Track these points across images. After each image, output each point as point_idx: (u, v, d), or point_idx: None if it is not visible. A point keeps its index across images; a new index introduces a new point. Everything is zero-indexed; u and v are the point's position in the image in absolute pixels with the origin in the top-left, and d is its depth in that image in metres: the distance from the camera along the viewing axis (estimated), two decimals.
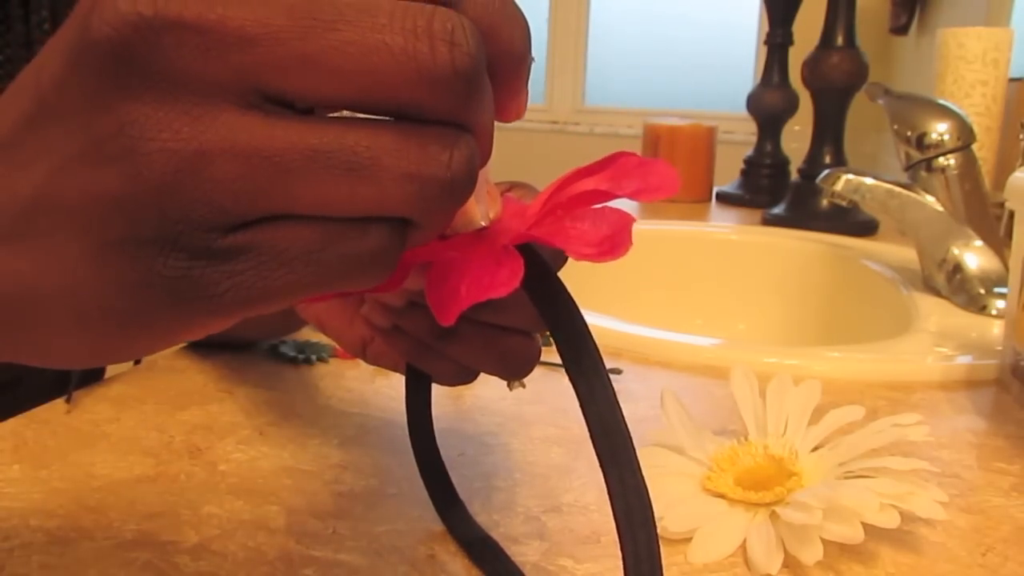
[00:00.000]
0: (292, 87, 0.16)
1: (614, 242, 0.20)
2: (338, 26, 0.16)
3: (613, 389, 0.22)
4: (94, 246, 0.17)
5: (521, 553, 0.30)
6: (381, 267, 0.18)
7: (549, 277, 0.23)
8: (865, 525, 0.30)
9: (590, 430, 0.22)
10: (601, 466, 0.21)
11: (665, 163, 0.23)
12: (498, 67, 0.18)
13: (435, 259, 0.22)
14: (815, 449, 0.36)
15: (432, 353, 0.27)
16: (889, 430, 0.34)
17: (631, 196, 0.23)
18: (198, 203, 0.16)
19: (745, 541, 0.31)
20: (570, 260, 0.26)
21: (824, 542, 0.30)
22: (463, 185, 0.17)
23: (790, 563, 0.30)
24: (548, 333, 0.23)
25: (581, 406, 0.22)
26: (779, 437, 0.36)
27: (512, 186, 0.33)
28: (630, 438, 0.22)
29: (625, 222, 0.21)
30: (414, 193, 0.17)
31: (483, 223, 0.22)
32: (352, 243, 0.17)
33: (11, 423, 0.40)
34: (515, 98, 0.20)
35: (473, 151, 0.18)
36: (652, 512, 0.21)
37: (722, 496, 0.34)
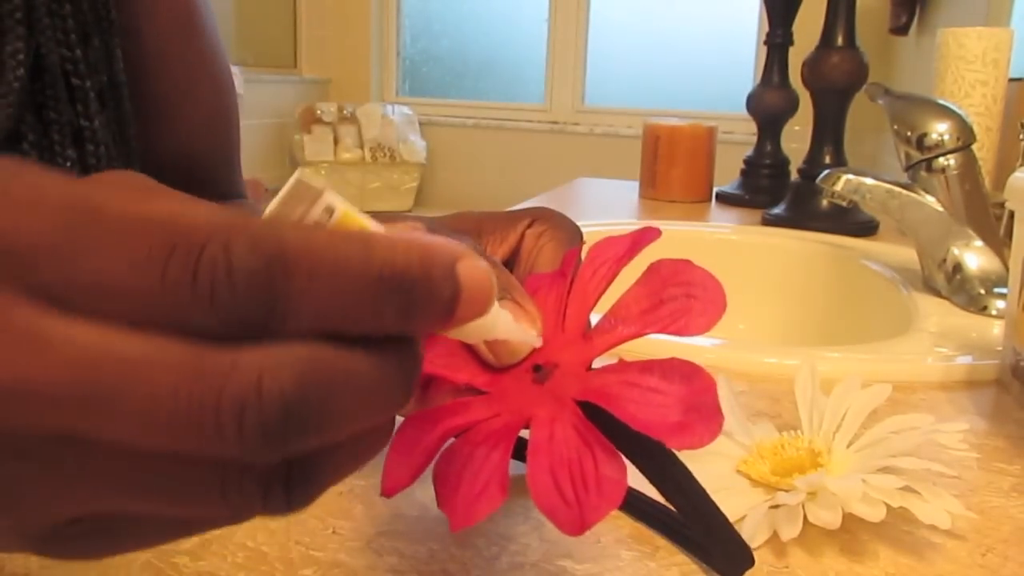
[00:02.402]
0: (94, 438, 0.15)
1: (700, 411, 0.19)
2: (119, 400, 0.15)
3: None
4: None
5: (521, 553, 0.30)
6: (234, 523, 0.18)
7: (662, 455, 0.23)
8: (868, 526, 0.30)
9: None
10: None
11: (709, 275, 0.23)
12: (389, 333, 0.17)
13: (505, 423, 0.22)
14: (850, 445, 0.36)
15: None
16: (927, 434, 0.34)
17: (675, 327, 0.22)
18: (25, 521, 0.17)
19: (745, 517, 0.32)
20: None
21: (825, 543, 0.30)
22: (283, 511, 0.17)
23: (791, 563, 0.30)
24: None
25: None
26: (829, 434, 0.37)
27: (532, 221, 0.33)
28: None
29: (706, 385, 0.20)
30: (232, 519, 0.17)
31: (511, 333, 0.22)
32: (194, 523, 0.18)
33: None
34: (443, 326, 0.17)
35: (299, 485, 0.17)
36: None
37: (747, 476, 0.34)
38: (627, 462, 0.20)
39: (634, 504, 0.32)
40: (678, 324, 0.22)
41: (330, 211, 0.17)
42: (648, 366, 0.21)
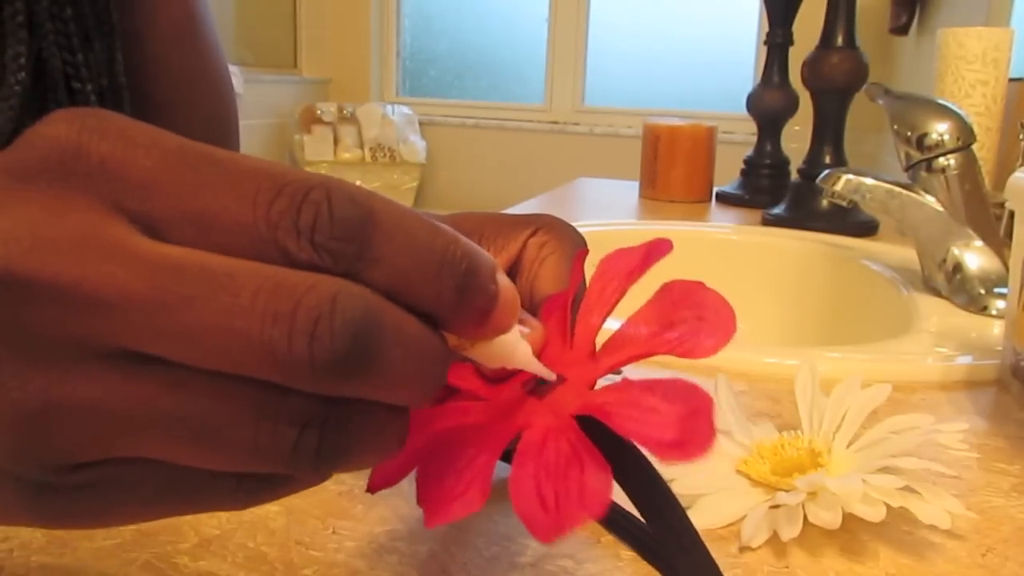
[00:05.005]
0: (151, 351, 0.15)
1: (695, 430, 0.19)
2: (195, 304, 0.15)
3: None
4: None
5: (521, 553, 0.30)
6: (234, 508, 0.18)
7: (640, 467, 0.22)
8: (868, 526, 0.30)
9: None
10: None
11: (719, 296, 0.23)
12: (437, 313, 0.17)
13: (498, 429, 0.22)
14: (850, 445, 0.36)
15: None
16: (927, 434, 0.34)
17: (683, 349, 0.22)
18: (42, 448, 0.16)
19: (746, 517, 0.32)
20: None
21: (826, 543, 0.30)
22: (309, 465, 0.16)
23: (791, 563, 0.30)
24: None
25: None
26: (829, 434, 0.37)
27: (536, 230, 0.32)
28: None
29: (703, 404, 0.20)
30: (257, 465, 0.16)
31: (529, 364, 0.21)
32: (202, 489, 0.17)
33: None
34: (477, 328, 0.18)
35: (333, 436, 0.16)
36: None
37: (747, 476, 0.34)
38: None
39: (631, 539, 0.31)
40: (685, 346, 0.22)
41: None
42: (651, 386, 0.21)
